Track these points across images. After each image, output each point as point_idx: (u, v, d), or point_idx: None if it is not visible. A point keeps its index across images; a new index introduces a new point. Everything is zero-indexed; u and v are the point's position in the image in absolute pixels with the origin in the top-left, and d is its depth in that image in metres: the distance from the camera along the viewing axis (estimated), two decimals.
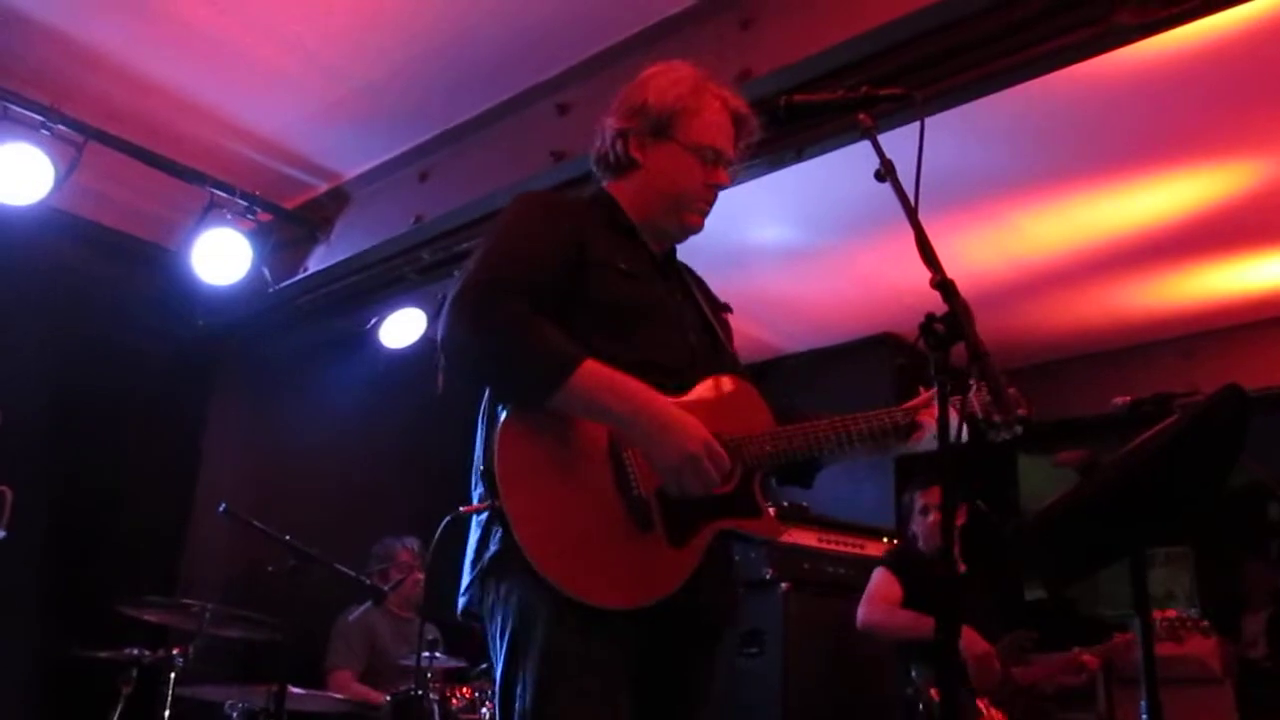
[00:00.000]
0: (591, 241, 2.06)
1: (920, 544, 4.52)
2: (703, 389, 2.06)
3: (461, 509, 2.01)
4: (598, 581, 1.85)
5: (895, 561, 4.48)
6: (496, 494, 1.86)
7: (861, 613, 4.34)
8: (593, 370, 1.85)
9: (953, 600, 2.84)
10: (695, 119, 2.17)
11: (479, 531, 1.99)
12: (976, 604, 4.34)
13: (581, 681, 1.83)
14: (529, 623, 1.87)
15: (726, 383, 2.11)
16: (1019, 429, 1.97)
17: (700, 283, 2.36)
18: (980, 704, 4.06)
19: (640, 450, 1.90)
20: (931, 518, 4.46)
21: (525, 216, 2.08)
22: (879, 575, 4.42)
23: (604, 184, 2.26)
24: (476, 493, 2.01)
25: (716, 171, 2.18)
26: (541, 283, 1.94)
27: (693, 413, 1.91)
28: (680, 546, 1.93)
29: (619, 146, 2.20)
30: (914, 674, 4.21)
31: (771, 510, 2.10)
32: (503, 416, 1.90)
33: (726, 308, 2.38)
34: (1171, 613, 4.18)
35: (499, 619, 1.92)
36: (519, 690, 1.85)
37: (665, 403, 1.89)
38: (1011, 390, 1.99)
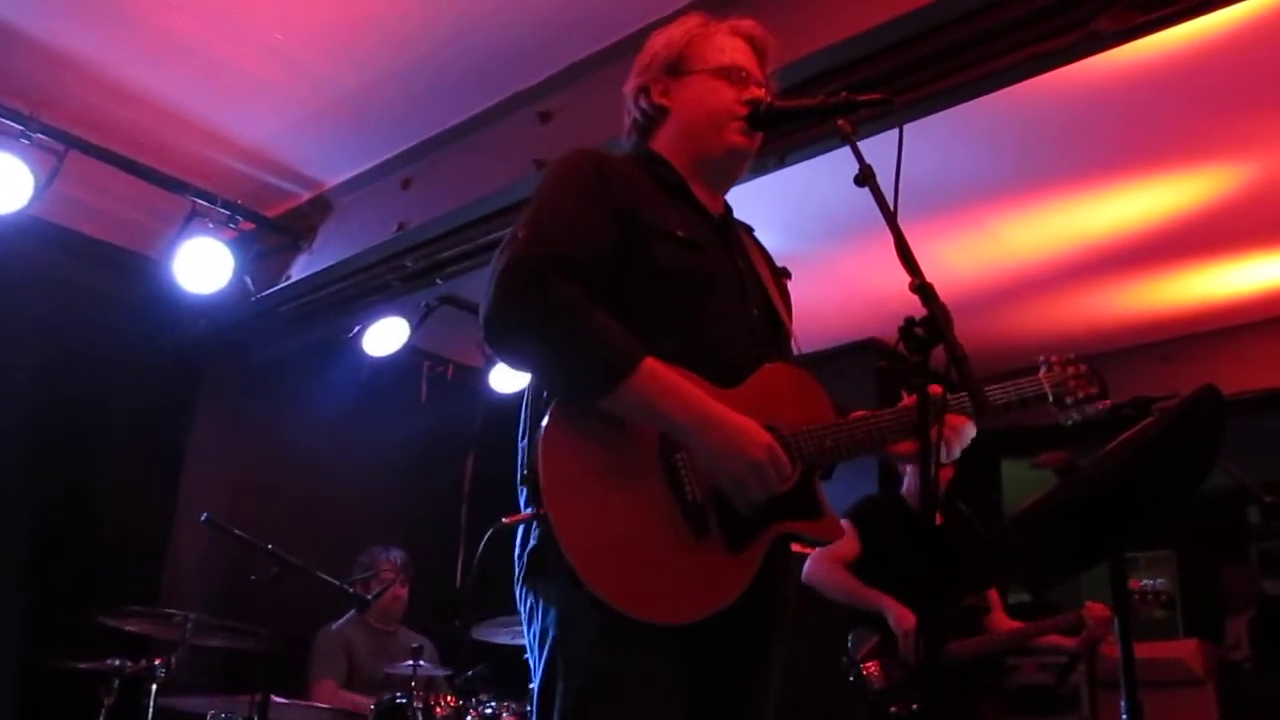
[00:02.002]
0: (643, 205, 1.93)
1: (911, 494, 4.37)
2: (759, 378, 1.92)
3: (505, 520, 1.90)
4: (654, 596, 1.73)
5: (860, 513, 4.31)
6: (541, 502, 1.75)
7: (807, 566, 4.23)
8: (652, 371, 1.74)
9: (937, 589, 2.81)
10: (708, 45, 2.11)
11: (519, 536, 1.90)
12: (949, 555, 4.23)
13: (629, 705, 1.72)
14: (572, 635, 1.76)
15: (785, 371, 1.99)
16: (1088, 410, 1.99)
17: (761, 246, 2.23)
18: None
19: (698, 456, 1.79)
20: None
21: (576, 180, 1.92)
22: None
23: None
24: (521, 500, 1.90)
25: (747, 89, 2.07)
26: (597, 258, 1.83)
27: (749, 405, 1.82)
28: (739, 552, 1.81)
29: (643, 101, 2.13)
30: (850, 641, 4.13)
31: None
32: (546, 419, 1.78)
33: (786, 273, 2.26)
34: (1135, 583, 4.08)
35: (537, 626, 1.82)
36: (558, 710, 1.74)
37: (724, 409, 1.78)
38: (1086, 367, 2.05)
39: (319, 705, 4.51)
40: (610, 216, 1.88)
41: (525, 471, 1.84)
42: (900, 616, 4.00)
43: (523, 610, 1.88)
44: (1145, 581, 4.08)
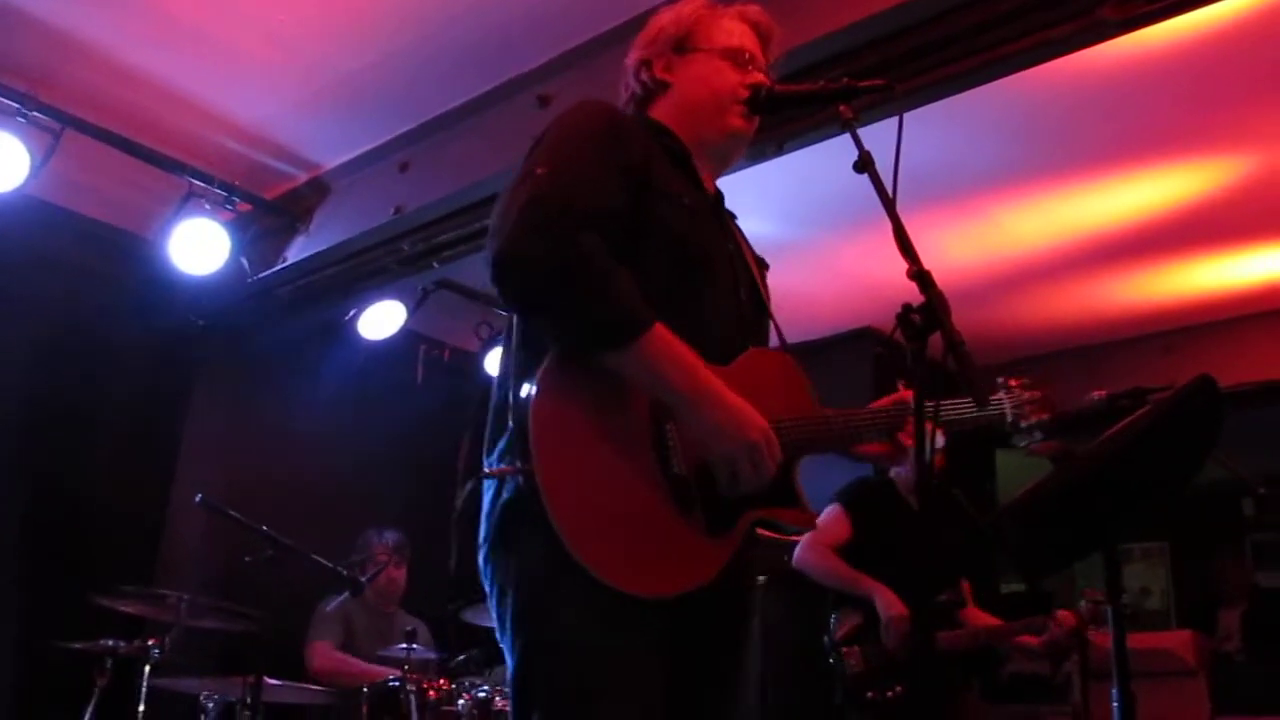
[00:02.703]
0: (655, 167, 1.91)
1: (901, 480, 4.37)
2: (746, 361, 1.91)
3: (488, 471, 1.81)
4: (632, 566, 1.69)
5: (851, 497, 4.31)
6: (528, 457, 1.68)
7: (798, 551, 4.23)
8: (660, 336, 1.70)
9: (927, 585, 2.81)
10: (715, 26, 2.11)
11: (490, 493, 1.82)
12: (933, 541, 4.25)
13: (614, 679, 1.69)
14: (551, 608, 1.71)
15: (771, 356, 2.00)
16: (1038, 435, 2.00)
17: (743, 234, 2.21)
18: None
19: (693, 431, 1.75)
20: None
21: (593, 130, 1.89)
22: (829, 513, 4.27)
23: None
24: (495, 456, 1.82)
25: (751, 74, 2.06)
26: (611, 213, 1.79)
27: (737, 385, 1.79)
28: (717, 533, 1.79)
29: (644, 75, 2.11)
30: (833, 620, 4.14)
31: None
32: (540, 373, 1.72)
33: (764, 264, 2.24)
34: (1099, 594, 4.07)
35: (511, 599, 1.76)
36: (541, 687, 1.71)
37: (725, 388, 1.75)
38: (1041, 393, 2.03)
39: (311, 688, 4.51)
40: (622, 174, 1.85)
41: (512, 424, 1.77)
42: (888, 603, 4.00)
43: (490, 580, 1.82)
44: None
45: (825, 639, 4.14)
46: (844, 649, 4.05)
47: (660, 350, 1.71)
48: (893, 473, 4.43)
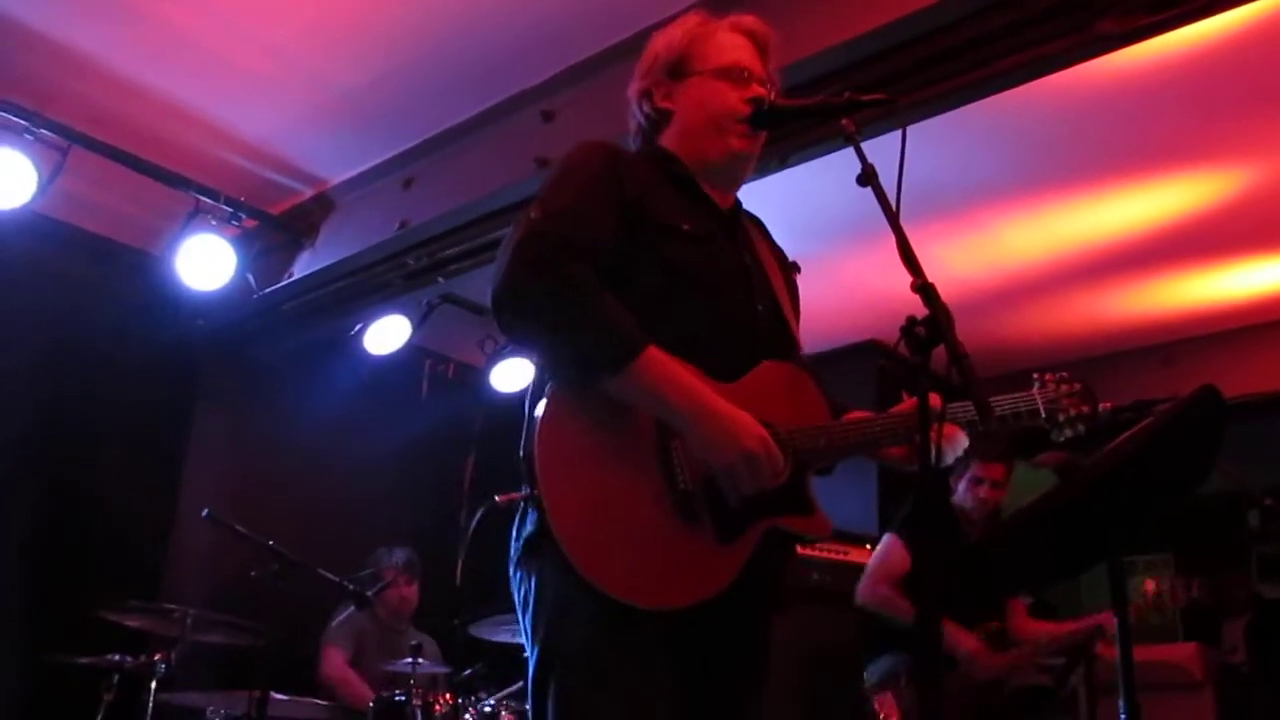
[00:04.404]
0: (654, 200, 1.96)
1: (970, 514, 4.37)
2: (757, 375, 1.94)
3: (498, 499, 1.93)
4: (642, 581, 1.74)
5: (908, 525, 4.27)
6: (535, 481, 1.77)
7: (862, 588, 4.17)
8: (654, 359, 1.76)
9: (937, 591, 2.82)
10: (709, 44, 2.11)
11: (517, 517, 1.90)
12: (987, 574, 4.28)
13: (622, 692, 1.73)
14: (565, 622, 1.77)
15: (782, 369, 2.00)
16: (1080, 428, 1.98)
17: (770, 240, 2.24)
18: None
19: (692, 445, 1.79)
20: (985, 492, 4.31)
21: (590, 168, 1.95)
22: (887, 544, 4.24)
23: None
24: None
25: (750, 88, 2.07)
26: (605, 245, 1.85)
27: (745, 400, 1.83)
28: (728, 544, 1.82)
29: (646, 106, 2.14)
30: (867, 673, 4.13)
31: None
32: (545, 399, 1.81)
33: (795, 268, 2.27)
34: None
35: (531, 612, 1.82)
36: (553, 698, 1.75)
37: (722, 400, 1.79)
38: (1080, 385, 2.02)
39: (318, 702, 4.51)
40: (620, 207, 1.90)
41: (522, 451, 1.84)
42: (959, 640, 4.03)
43: (516, 594, 1.89)
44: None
45: (860, 687, 4.13)
46: (878, 697, 4.03)
47: (655, 371, 1.76)
48: (956, 499, 4.41)
